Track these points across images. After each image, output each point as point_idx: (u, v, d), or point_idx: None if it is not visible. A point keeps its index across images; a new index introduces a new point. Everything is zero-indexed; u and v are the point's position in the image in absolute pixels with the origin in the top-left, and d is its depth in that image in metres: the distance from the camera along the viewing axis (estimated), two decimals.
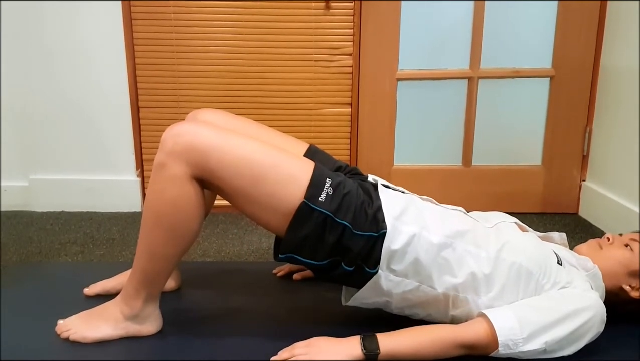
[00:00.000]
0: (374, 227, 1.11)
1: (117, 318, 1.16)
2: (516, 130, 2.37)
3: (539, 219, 2.34)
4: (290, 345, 1.10)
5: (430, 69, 2.31)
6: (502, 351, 1.06)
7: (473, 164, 2.40)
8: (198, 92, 2.29)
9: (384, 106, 2.33)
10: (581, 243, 1.35)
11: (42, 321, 1.22)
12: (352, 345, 1.07)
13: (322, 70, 2.29)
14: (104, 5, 2.20)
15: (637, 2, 2.03)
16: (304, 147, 1.32)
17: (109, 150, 2.35)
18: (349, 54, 2.27)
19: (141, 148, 2.35)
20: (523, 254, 1.16)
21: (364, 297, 1.18)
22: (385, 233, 1.10)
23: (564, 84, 2.30)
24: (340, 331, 1.12)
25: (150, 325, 1.19)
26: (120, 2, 2.19)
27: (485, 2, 2.23)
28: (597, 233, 2.18)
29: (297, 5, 2.21)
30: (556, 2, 2.24)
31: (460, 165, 2.41)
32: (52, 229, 2.16)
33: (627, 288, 1.25)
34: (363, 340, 1.08)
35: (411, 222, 1.14)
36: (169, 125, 1.09)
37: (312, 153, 1.30)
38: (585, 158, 2.37)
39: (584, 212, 2.38)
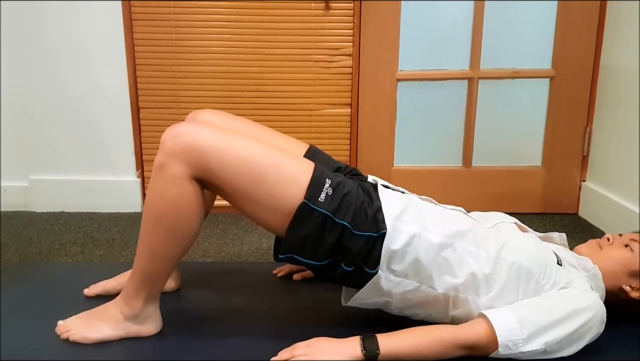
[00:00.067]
0: (374, 227, 1.11)
1: (117, 319, 1.16)
2: (516, 131, 2.37)
3: (539, 219, 2.34)
4: (290, 345, 1.10)
5: (430, 70, 2.31)
6: (502, 351, 1.06)
7: (473, 164, 2.40)
8: (198, 93, 2.29)
9: (384, 106, 2.33)
10: (581, 243, 1.35)
11: (42, 321, 1.22)
12: (352, 345, 1.07)
13: (322, 71, 2.29)
14: (104, 6, 2.20)
15: (637, 2, 2.03)
16: (303, 147, 1.32)
17: (109, 151, 2.35)
18: (349, 55, 2.27)
19: (141, 148, 2.35)
20: (523, 254, 1.16)
21: (364, 297, 1.18)
22: (385, 233, 1.10)
23: (564, 84, 2.30)
24: (340, 331, 1.13)
25: (150, 325, 1.19)
26: (120, 2, 2.19)
27: (485, 2, 2.23)
28: (597, 233, 2.18)
29: (297, 5, 2.21)
30: (556, 2, 2.24)
31: (460, 165, 2.41)
32: (52, 229, 2.16)
33: (627, 288, 1.25)
34: (363, 340, 1.08)
35: (411, 222, 1.14)
36: (168, 126, 1.09)
37: (312, 153, 1.30)
38: (585, 159, 2.37)
39: (584, 213, 2.38)
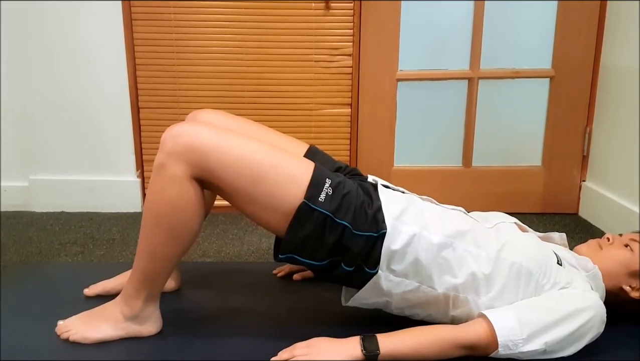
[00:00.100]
0: (374, 227, 1.11)
1: (117, 319, 1.16)
2: (516, 131, 2.37)
3: (539, 219, 2.34)
4: (290, 345, 1.10)
5: (430, 70, 2.31)
6: (502, 351, 1.06)
7: (473, 164, 2.40)
8: (198, 93, 2.29)
9: (384, 106, 2.33)
10: (581, 243, 1.35)
11: (42, 321, 1.22)
12: (352, 345, 1.07)
13: (322, 71, 2.29)
14: (104, 6, 2.20)
15: (637, 2, 2.03)
16: (304, 147, 1.32)
17: (109, 151, 2.35)
18: (349, 55, 2.27)
19: (141, 148, 2.35)
20: (523, 254, 1.16)
21: (364, 297, 1.18)
22: (385, 233, 1.10)
23: (564, 84, 2.30)
24: (340, 331, 1.13)
25: (150, 325, 1.19)
26: (120, 2, 2.19)
27: (485, 2, 2.23)
28: (597, 233, 2.18)
29: (297, 5, 2.21)
30: (556, 2, 2.24)
31: (460, 165, 2.41)
32: (52, 229, 2.16)
33: (627, 288, 1.25)
34: (363, 340, 1.08)
35: (411, 222, 1.14)
36: (168, 126, 1.09)
37: (312, 153, 1.31)
38: (585, 159, 2.37)
39: (584, 212, 2.38)
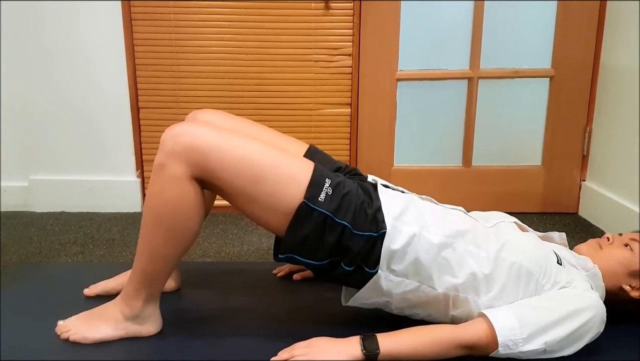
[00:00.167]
0: (374, 227, 1.11)
1: (117, 319, 1.16)
2: (516, 130, 2.37)
3: (539, 219, 2.34)
4: (290, 345, 1.10)
5: (430, 69, 2.31)
6: (502, 351, 1.06)
7: (473, 164, 2.40)
8: (198, 93, 2.29)
9: (384, 106, 2.33)
10: (581, 243, 1.35)
11: (42, 321, 1.22)
12: (352, 345, 1.07)
13: (321, 71, 2.29)
14: (104, 6, 2.20)
15: (637, 2, 2.03)
16: (303, 147, 1.32)
17: (109, 151, 2.35)
18: (349, 54, 2.27)
19: (141, 148, 2.35)
20: (523, 254, 1.16)
21: (364, 297, 1.18)
22: (385, 233, 1.10)
23: (563, 84, 2.30)
24: (340, 331, 1.13)
25: (150, 325, 1.19)
26: (120, 2, 2.19)
27: (485, 2, 2.23)
28: (597, 233, 2.18)
29: (297, 5, 2.21)
30: (556, 2, 2.24)
31: (460, 165, 2.41)
32: (52, 229, 2.16)
33: (627, 288, 1.25)
34: (363, 340, 1.08)
35: (411, 222, 1.14)
36: (168, 126, 1.09)
37: (311, 153, 1.31)
38: (585, 158, 2.37)
39: (584, 212, 2.38)
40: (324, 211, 1.08)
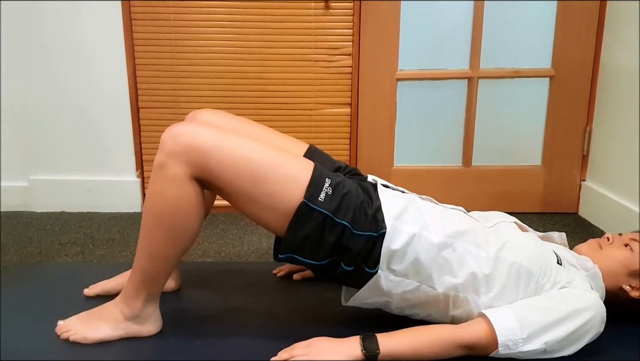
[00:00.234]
0: (374, 227, 1.11)
1: (117, 319, 1.16)
2: (516, 130, 2.37)
3: (539, 219, 2.34)
4: (290, 345, 1.10)
5: (430, 69, 2.31)
6: (502, 351, 1.06)
7: (473, 164, 2.40)
8: (198, 93, 2.29)
9: (384, 106, 2.33)
10: (581, 243, 1.35)
11: (42, 321, 1.22)
12: (352, 345, 1.07)
13: (321, 71, 2.29)
14: (104, 6, 2.20)
15: (637, 2, 2.03)
16: (303, 147, 1.32)
17: (109, 151, 2.35)
18: (349, 54, 2.27)
19: (141, 148, 2.35)
20: (523, 254, 1.16)
21: (364, 297, 1.18)
22: (384, 233, 1.10)
23: (563, 84, 2.30)
24: (340, 331, 1.13)
25: (150, 325, 1.19)
26: (120, 2, 2.19)
27: (485, 2, 2.23)
28: (597, 233, 2.18)
29: (297, 5, 2.21)
30: (556, 2, 2.24)
31: (460, 165, 2.41)
32: (52, 229, 2.16)
33: (627, 288, 1.25)
34: (363, 340, 1.08)
35: (411, 221, 1.14)
36: (168, 126, 1.09)
37: (311, 153, 1.31)
38: (585, 158, 2.37)
39: (584, 212, 2.38)
40: (323, 211, 1.08)
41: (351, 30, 2.25)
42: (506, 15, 2.25)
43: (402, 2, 2.23)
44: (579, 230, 2.22)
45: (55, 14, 2.21)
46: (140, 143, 2.34)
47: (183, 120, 1.26)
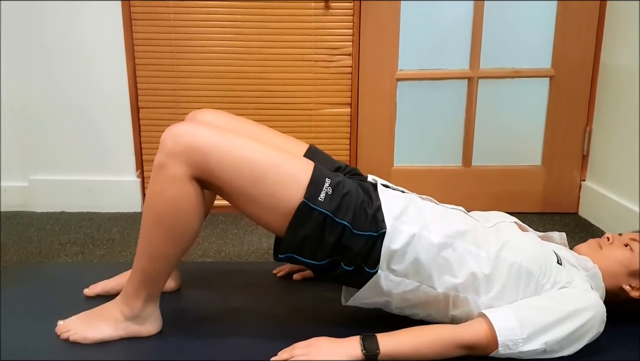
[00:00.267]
0: (374, 227, 1.11)
1: (117, 319, 1.16)
2: (516, 130, 2.37)
3: (539, 219, 2.34)
4: (290, 345, 1.10)
5: (430, 69, 2.31)
6: (502, 351, 1.06)
7: (473, 164, 2.40)
8: (198, 93, 2.29)
9: (384, 106, 2.33)
10: (581, 243, 1.35)
11: (42, 321, 1.22)
12: (352, 345, 1.07)
13: (321, 71, 2.29)
14: (104, 6, 2.20)
15: (637, 2, 2.03)
16: (303, 147, 1.32)
17: (109, 151, 2.35)
18: (349, 54, 2.27)
19: (141, 148, 2.35)
20: (523, 254, 1.16)
21: (364, 297, 1.18)
22: (384, 233, 1.10)
23: (563, 84, 2.30)
24: (340, 331, 1.12)
25: (150, 325, 1.19)
26: (120, 2, 2.19)
27: (485, 2, 2.23)
28: (597, 233, 2.18)
29: (297, 5, 2.21)
30: (556, 2, 2.24)
31: (460, 165, 2.41)
32: (52, 229, 2.16)
33: (627, 288, 1.25)
34: (363, 340, 1.08)
35: (411, 221, 1.14)
36: (168, 126, 1.09)
37: (311, 153, 1.31)
38: (585, 158, 2.37)
39: (584, 212, 2.38)
40: (323, 211, 1.08)
41: (351, 30, 2.25)
42: (506, 15, 2.25)
43: (402, 2, 2.23)
44: (579, 230, 2.22)
45: (55, 14, 2.21)
46: (140, 143, 2.34)
47: (183, 120, 1.26)
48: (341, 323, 1.24)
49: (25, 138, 2.33)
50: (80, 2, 2.20)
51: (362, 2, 2.22)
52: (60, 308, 1.23)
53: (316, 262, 1.12)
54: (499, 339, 1.06)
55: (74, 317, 1.20)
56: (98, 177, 2.36)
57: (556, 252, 1.23)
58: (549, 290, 1.15)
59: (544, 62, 2.30)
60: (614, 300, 1.24)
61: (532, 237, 1.27)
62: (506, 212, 1.39)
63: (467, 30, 2.26)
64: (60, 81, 2.27)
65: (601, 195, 2.24)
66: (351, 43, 2.26)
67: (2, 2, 2.20)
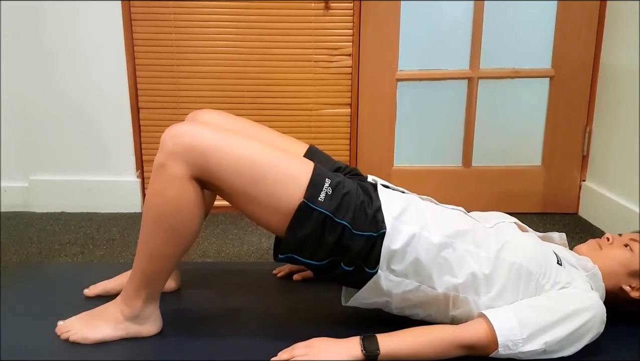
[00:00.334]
0: (374, 227, 1.11)
1: (117, 319, 1.16)
2: (516, 130, 2.37)
3: (539, 219, 2.34)
4: (290, 345, 1.10)
5: (430, 69, 2.31)
6: (502, 351, 1.06)
7: (473, 164, 2.40)
8: (198, 93, 2.30)
9: (384, 106, 2.33)
10: (581, 243, 1.35)
11: (42, 321, 1.22)
12: (352, 345, 1.07)
13: (321, 71, 2.29)
14: (104, 6, 2.20)
15: (637, 2, 2.03)
16: (303, 147, 1.32)
17: (109, 151, 2.35)
18: (349, 55, 2.27)
19: (141, 149, 2.35)
20: (523, 254, 1.16)
21: (364, 297, 1.18)
22: (384, 233, 1.10)
23: (563, 84, 2.30)
24: (340, 331, 1.13)
25: (150, 325, 1.19)
26: (120, 2, 2.19)
27: (485, 2, 2.23)
28: (597, 233, 2.18)
29: (297, 5, 2.21)
30: (556, 2, 2.24)
31: (460, 165, 2.41)
32: (52, 230, 2.16)
33: (627, 288, 1.25)
34: (363, 340, 1.08)
35: (411, 222, 1.14)
36: (168, 126, 1.09)
37: (311, 153, 1.31)
38: (585, 158, 2.37)
39: (584, 212, 2.38)
40: (323, 211, 1.08)
41: (351, 31, 2.25)
42: (506, 15, 2.25)
43: (402, 2, 2.23)
44: (579, 231, 2.22)
45: (55, 14, 2.21)
46: (140, 144, 2.34)
47: (183, 120, 1.26)
48: (341, 323, 1.24)
49: (25, 138, 2.33)
50: (80, 2, 2.20)
51: (362, 2, 2.22)
52: (60, 308, 1.23)
53: (316, 262, 1.12)
54: (499, 339, 1.06)
55: (74, 317, 1.20)
56: (98, 177, 2.36)
57: (556, 252, 1.23)
58: (549, 290, 1.15)
59: (544, 62, 2.30)
60: (614, 300, 1.24)
61: (532, 237, 1.27)
62: (506, 212, 1.39)
63: (467, 30, 2.26)
64: (60, 81, 2.27)
65: (601, 195, 2.24)
66: (351, 43, 2.26)
67: (2, 2, 2.20)
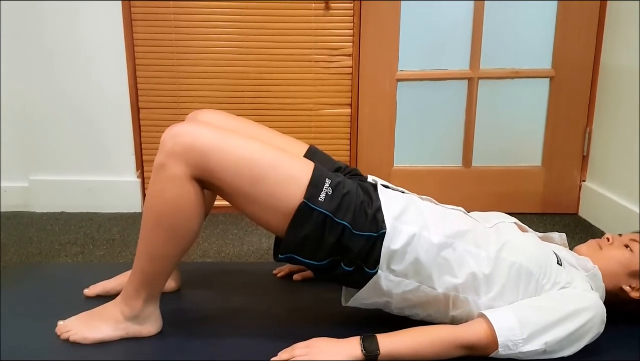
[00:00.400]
0: (374, 227, 1.11)
1: (117, 319, 1.16)
2: (516, 131, 2.37)
3: (539, 219, 2.34)
4: (290, 345, 1.10)
5: (430, 70, 2.31)
6: (502, 351, 1.06)
7: (473, 164, 2.40)
8: (198, 93, 2.29)
9: (384, 106, 2.33)
10: (581, 243, 1.35)
11: (42, 321, 1.22)
12: (352, 345, 1.07)
13: (322, 71, 2.29)
14: (104, 6, 2.20)
15: (637, 2, 2.03)
16: (303, 147, 1.32)
17: (109, 151, 2.35)
18: (349, 55, 2.27)
19: (141, 149, 2.35)
20: (523, 254, 1.16)
21: (364, 297, 1.18)
22: (384, 233, 1.10)
23: (563, 84, 2.30)
24: (340, 331, 1.13)
25: (150, 325, 1.19)
26: (120, 2, 2.19)
27: (485, 2, 2.23)
28: (597, 233, 2.18)
29: (297, 5, 2.21)
30: (556, 2, 2.24)
31: (460, 165, 2.41)
32: (52, 230, 2.16)
33: (627, 288, 1.25)
34: (363, 340, 1.08)
35: (411, 222, 1.14)
36: (169, 126, 1.09)
37: (311, 153, 1.31)
38: (585, 159, 2.37)
39: (584, 212, 2.38)
40: (323, 211, 1.08)
41: (351, 31, 2.25)
42: (506, 15, 2.25)
43: (402, 2, 2.23)
44: (579, 231, 2.22)
45: (55, 14, 2.21)
46: (141, 144, 2.34)
47: (183, 120, 1.26)
48: (341, 323, 1.24)
49: (25, 138, 2.33)
50: (80, 2, 2.20)
51: (362, 2, 2.22)
52: (60, 308, 1.23)
53: (316, 262, 1.12)
54: (499, 339, 1.06)
55: (74, 317, 1.20)
56: (98, 177, 2.36)
57: (556, 252, 1.23)
58: (549, 290, 1.15)
59: (544, 62, 2.30)
60: (614, 301, 1.24)
61: (532, 237, 1.27)
62: (506, 213, 1.39)
63: (467, 30, 2.26)
64: (60, 81, 2.27)
65: (601, 195, 2.24)
66: (351, 43, 2.26)
67: (2, 2, 2.20)
